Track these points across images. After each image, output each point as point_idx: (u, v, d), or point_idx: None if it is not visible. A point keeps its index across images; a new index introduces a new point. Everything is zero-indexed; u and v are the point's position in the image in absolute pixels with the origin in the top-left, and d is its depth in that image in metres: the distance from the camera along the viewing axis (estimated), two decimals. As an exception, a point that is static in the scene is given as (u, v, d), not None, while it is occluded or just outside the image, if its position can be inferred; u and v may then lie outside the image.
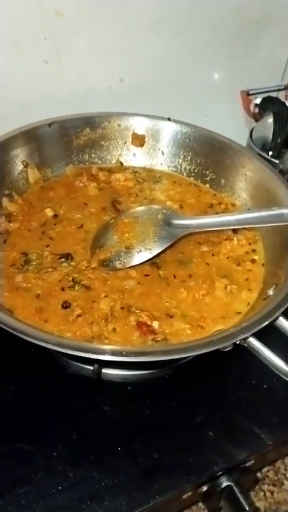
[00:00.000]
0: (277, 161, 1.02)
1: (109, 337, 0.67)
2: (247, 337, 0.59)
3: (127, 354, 0.56)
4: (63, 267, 0.76)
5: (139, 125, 0.99)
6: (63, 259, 0.77)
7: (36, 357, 0.69)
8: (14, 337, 0.57)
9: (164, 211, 0.80)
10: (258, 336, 0.60)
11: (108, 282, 0.74)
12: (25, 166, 0.90)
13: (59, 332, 0.66)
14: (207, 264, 0.79)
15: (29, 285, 0.73)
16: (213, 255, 0.81)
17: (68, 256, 0.78)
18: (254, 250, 0.82)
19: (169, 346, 0.64)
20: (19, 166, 0.89)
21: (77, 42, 0.94)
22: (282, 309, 0.63)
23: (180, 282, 0.76)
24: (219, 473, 0.65)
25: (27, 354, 0.70)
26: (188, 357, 0.67)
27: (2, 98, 0.93)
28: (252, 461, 0.68)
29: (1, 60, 0.91)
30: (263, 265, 0.80)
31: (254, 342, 0.59)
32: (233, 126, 1.19)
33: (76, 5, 0.90)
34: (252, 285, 0.77)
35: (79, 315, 0.69)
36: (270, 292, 0.70)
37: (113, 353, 0.56)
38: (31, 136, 0.90)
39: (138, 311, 0.69)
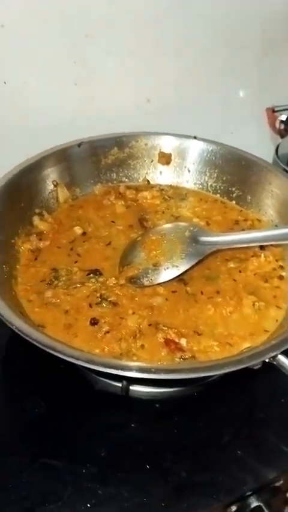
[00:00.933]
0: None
1: (137, 354, 0.67)
2: (276, 355, 0.58)
3: (157, 371, 0.56)
4: (91, 283, 0.77)
5: (166, 143, 1.00)
6: (91, 275, 0.78)
7: (66, 373, 0.70)
8: (44, 354, 0.59)
9: (191, 228, 0.81)
10: (287, 353, 0.60)
11: (136, 299, 0.75)
12: (55, 186, 0.92)
13: (88, 348, 0.67)
14: (235, 280, 0.79)
15: (58, 300, 0.74)
16: (240, 271, 0.81)
17: (96, 272, 0.79)
18: (281, 267, 0.82)
19: (198, 364, 0.64)
20: (49, 186, 0.91)
21: (105, 64, 0.97)
22: (312, 327, 0.62)
23: (208, 298, 0.76)
24: (249, 493, 0.64)
25: (56, 370, 0.71)
26: (217, 374, 0.67)
27: (32, 119, 0.95)
28: (282, 481, 0.67)
29: (33, 82, 0.94)
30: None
31: (283, 359, 0.59)
32: (259, 143, 1.20)
33: (105, 28, 0.93)
34: (280, 302, 0.76)
35: (107, 332, 0.69)
36: (300, 309, 0.70)
37: (143, 370, 0.56)
38: (61, 156, 0.92)
39: (166, 328, 0.70)
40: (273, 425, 0.71)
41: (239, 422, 0.71)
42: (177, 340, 0.68)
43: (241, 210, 0.96)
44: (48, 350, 0.59)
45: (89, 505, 0.61)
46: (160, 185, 1.01)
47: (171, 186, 1.02)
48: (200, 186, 1.01)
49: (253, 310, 0.74)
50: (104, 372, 0.57)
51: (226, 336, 0.70)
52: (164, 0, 0.96)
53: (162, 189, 1.00)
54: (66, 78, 0.95)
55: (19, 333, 0.61)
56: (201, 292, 0.77)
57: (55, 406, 0.72)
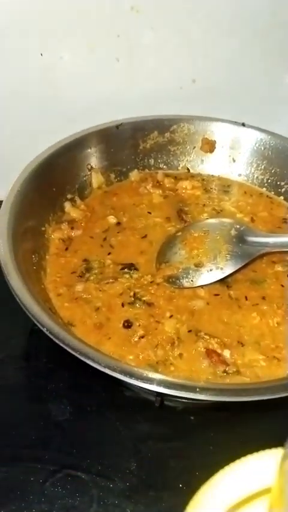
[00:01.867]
0: None
1: (175, 364, 0.62)
2: None
3: (202, 391, 0.50)
4: (125, 279, 0.71)
5: (210, 129, 0.94)
6: (126, 270, 0.73)
7: (94, 374, 0.65)
8: (71, 354, 0.54)
9: (238, 226, 0.74)
10: None
11: (174, 301, 0.70)
12: (89, 170, 0.86)
13: (121, 354, 0.62)
14: (282, 286, 0.73)
15: (89, 296, 0.70)
16: (289, 276, 0.74)
17: (131, 267, 0.74)
18: None
19: (248, 385, 0.58)
20: (83, 170, 0.85)
21: (150, 40, 0.89)
22: None
23: (253, 305, 0.70)
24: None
25: (85, 370, 0.65)
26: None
27: (70, 96, 0.89)
28: None
29: (72, 57, 0.86)
30: None
31: None
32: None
33: (153, 1, 0.85)
34: None
35: (142, 336, 0.64)
36: None
37: (186, 388, 0.51)
38: (97, 138, 0.87)
39: (208, 337, 0.64)
40: None
41: (280, 443, 0.65)
42: (219, 351, 0.63)
43: (286, 206, 0.89)
44: (79, 356, 0.54)
45: (116, 525, 0.56)
46: (201, 175, 0.95)
47: (213, 176, 0.95)
48: (246, 178, 0.94)
49: (303, 323, 0.67)
50: (142, 386, 0.51)
51: (273, 349, 0.65)
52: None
53: (204, 179, 0.94)
54: (107, 53, 0.88)
55: (49, 335, 0.56)
56: (246, 298, 0.71)
57: (81, 410, 0.67)
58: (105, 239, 0.79)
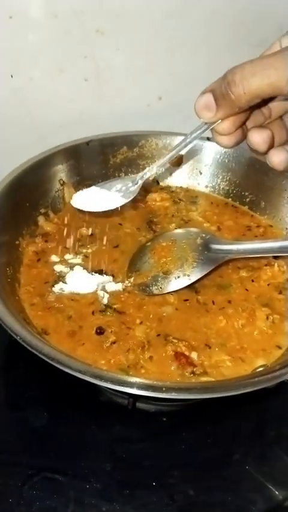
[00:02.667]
0: None
1: (145, 366, 0.65)
2: (293, 376, 0.56)
3: (167, 391, 0.53)
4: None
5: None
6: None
7: (70, 381, 0.67)
8: (47, 363, 0.56)
9: (203, 235, 0.78)
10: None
11: (144, 308, 0.72)
12: (62, 185, 0.89)
13: (93, 359, 0.65)
14: (247, 290, 0.77)
15: (62, 305, 0.72)
16: (252, 281, 0.78)
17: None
18: (296, 278, 0.79)
19: (212, 384, 0.61)
20: (56, 185, 0.89)
21: (116, 60, 0.93)
22: None
23: (219, 309, 0.73)
24: (259, 514, 0.62)
25: (61, 378, 0.68)
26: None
27: (41, 115, 0.92)
28: (292, 502, 0.65)
29: (41, 77, 0.90)
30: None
31: (299, 380, 0.57)
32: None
33: (116, 24, 0.89)
34: (295, 315, 0.74)
35: (114, 342, 0.67)
36: None
37: (153, 388, 0.54)
38: (69, 154, 0.90)
39: (176, 340, 0.67)
40: (285, 443, 0.68)
41: (250, 440, 0.69)
42: (187, 354, 0.66)
43: (252, 215, 0.93)
44: (53, 363, 0.56)
45: (92, 523, 0.59)
46: (170, 187, 0.99)
47: (181, 188, 0.99)
48: (212, 189, 0.98)
49: (267, 323, 0.71)
50: (112, 388, 0.54)
51: (238, 350, 0.68)
52: (178, -6, 0.92)
53: (172, 191, 0.98)
54: (75, 73, 0.92)
55: (23, 343, 0.58)
56: (213, 302, 0.74)
57: (58, 416, 0.69)
58: (78, 251, 0.82)
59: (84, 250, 0.82)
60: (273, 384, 0.56)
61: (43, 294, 0.73)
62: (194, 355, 0.66)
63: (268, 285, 0.78)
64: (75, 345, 0.67)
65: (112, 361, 0.65)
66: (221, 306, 0.73)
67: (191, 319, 0.71)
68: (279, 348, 0.68)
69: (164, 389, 0.54)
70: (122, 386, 0.54)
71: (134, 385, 0.54)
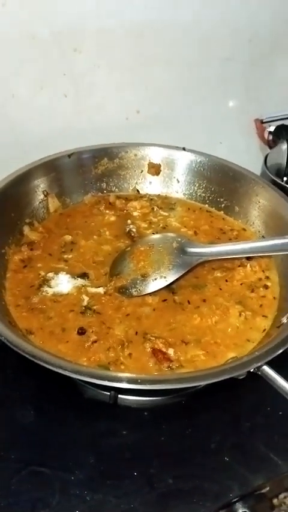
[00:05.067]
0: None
1: (125, 363, 0.68)
2: (261, 366, 0.60)
3: (143, 382, 0.57)
4: (77, 290, 0.78)
5: (155, 154, 1.02)
6: (79, 279, 0.80)
7: (55, 381, 0.71)
8: (32, 362, 0.60)
9: (179, 239, 0.82)
10: (272, 363, 0.61)
11: (123, 309, 0.76)
12: (45, 196, 0.93)
13: (75, 357, 0.68)
14: (221, 289, 0.81)
15: (44, 306, 0.76)
16: (226, 280, 0.82)
17: (84, 276, 0.81)
18: (267, 277, 0.83)
19: (183, 374, 0.65)
20: (40, 196, 0.92)
21: (94, 77, 0.98)
22: (296, 337, 0.64)
23: (195, 308, 0.77)
24: (235, 499, 0.65)
25: (46, 378, 0.71)
26: (201, 385, 0.68)
27: (23, 131, 0.97)
28: (268, 488, 0.68)
29: (23, 94, 0.95)
30: (274, 298, 0.81)
31: (267, 370, 0.61)
32: (248, 153, 1.22)
33: (93, 43, 0.95)
34: (266, 311, 0.78)
35: (95, 341, 0.71)
36: (284, 319, 0.71)
37: (129, 381, 0.58)
38: (51, 167, 0.94)
39: (154, 338, 0.71)
40: (259, 432, 0.72)
41: (226, 430, 0.72)
42: (164, 350, 0.69)
43: (223, 219, 0.98)
44: (35, 360, 0.60)
45: (77, 511, 0.62)
46: (149, 195, 1.03)
47: (160, 196, 1.03)
48: (189, 196, 1.03)
49: (240, 320, 0.75)
50: (91, 382, 0.58)
51: (212, 344, 0.72)
52: (151, 14, 0.98)
53: (152, 199, 1.02)
54: (55, 90, 0.97)
55: (7, 343, 0.62)
56: (188, 302, 0.78)
57: (44, 413, 0.72)
58: (61, 256, 0.86)
59: (66, 256, 0.86)
60: (242, 374, 0.60)
61: (28, 297, 0.77)
62: (170, 351, 0.70)
63: (241, 284, 0.82)
64: (58, 344, 0.70)
65: (92, 358, 0.68)
66: (196, 305, 0.77)
67: (168, 318, 0.75)
68: (250, 341, 0.72)
69: (139, 381, 0.58)
70: (99, 379, 0.58)
71: (111, 378, 0.58)
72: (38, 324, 0.73)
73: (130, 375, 0.60)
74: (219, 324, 0.75)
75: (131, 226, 0.93)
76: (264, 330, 0.75)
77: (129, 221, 0.94)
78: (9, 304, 0.75)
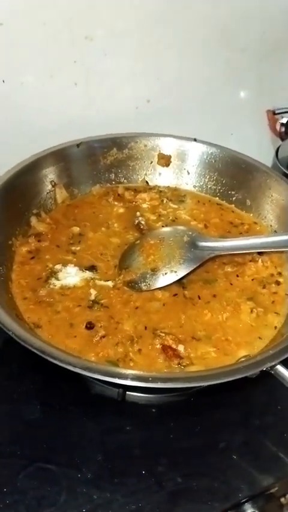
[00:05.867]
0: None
1: (134, 359, 0.67)
2: (274, 365, 0.58)
3: (153, 380, 0.56)
4: (85, 282, 0.77)
5: (165, 145, 1.00)
6: (87, 272, 0.79)
7: (62, 376, 0.70)
8: (38, 356, 0.59)
9: (190, 233, 0.81)
10: (285, 362, 0.60)
11: (132, 303, 0.75)
12: (53, 186, 0.91)
13: (83, 352, 0.67)
14: (231, 284, 0.79)
15: (52, 299, 0.74)
16: (237, 276, 0.81)
17: (92, 269, 0.80)
18: (279, 273, 0.82)
19: (194, 373, 0.64)
20: (47, 186, 0.91)
21: (105, 65, 0.96)
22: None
23: (205, 303, 0.76)
24: (244, 500, 0.64)
25: (53, 373, 0.70)
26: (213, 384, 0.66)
27: (32, 119, 0.95)
28: (277, 488, 0.67)
29: (31, 82, 0.93)
30: (286, 295, 0.79)
31: (280, 369, 0.59)
32: (259, 144, 1.20)
33: (105, 30, 0.92)
34: (278, 308, 0.76)
35: (103, 336, 0.69)
36: (299, 318, 0.70)
37: (139, 379, 0.56)
38: (60, 156, 0.92)
39: (164, 334, 0.70)
40: (269, 432, 0.71)
41: (235, 429, 0.71)
42: (174, 347, 0.68)
43: (233, 211, 0.96)
44: (44, 356, 0.59)
45: (84, 510, 0.61)
46: (159, 187, 1.01)
47: (169, 188, 1.01)
48: (200, 189, 1.01)
49: (251, 317, 0.74)
50: (100, 379, 0.57)
51: (223, 341, 0.70)
52: (163, 2, 0.95)
53: (161, 191, 1.00)
54: (65, 78, 0.95)
55: (16, 338, 0.61)
56: (199, 297, 0.76)
57: (51, 409, 0.72)
58: (69, 247, 0.84)
59: (75, 248, 0.84)
60: (254, 373, 0.59)
61: (35, 289, 0.75)
62: (180, 348, 0.68)
63: (252, 279, 0.80)
64: (67, 338, 0.69)
65: (100, 354, 0.67)
66: (206, 300, 0.76)
67: (178, 313, 0.74)
68: (261, 339, 0.71)
69: (150, 379, 0.56)
70: (109, 377, 0.56)
71: (122, 375, 0.57)
72: (46, 317, 0.71)
73: (140, 372, 0.58)
74: (230, 320, 0.73)
75: (140, 218, 0.91)
76: (276, 327, 0.73)
77: (138, 213, 0.92)
78: (16, 296, 0.74)
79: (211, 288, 0.78)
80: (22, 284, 0.76)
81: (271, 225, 0.91)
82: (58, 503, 0.61)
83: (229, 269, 0.81)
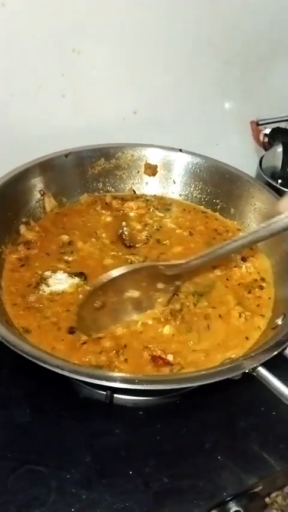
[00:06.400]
0: (286, 189, 1.04)
1: (120, 367, 0.68)
2: (256, 367, 0.61)
3: (140, 382, 0.58)
4: (74, 288, 0.78)
5: (152, 155, 1.03)
6: (76, 279, 0.80)
7: (51, 380, 0.72)
8: (29, 361, 0.60)
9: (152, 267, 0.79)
10: (266, 364, 0.62)
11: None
12: (42, 195, 0.93)
13: (67, 356, 0.68)
14: (227, 287, 0.82)
15: (41, 305, 0.76)
16: (227, 279, 0.83)
17: (81, 275, 0.81)
18: (262, 279, 0.85)
19: (180, 375, 0.66)
20: (36, 195, 0.92)
21: (92, 78, 0.98)
22: (291, 339, 0.65)
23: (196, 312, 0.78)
24: (228, 498, 0.66)
25: (42, 378, 0.72)
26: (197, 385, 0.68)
27: (21, 130, 0.96)
28: (261, 487, 0.69)
29: (22, 94, 0.95)
30: (269, 298, 0.82)
31: (262, 371, 0.61)
32: (243, 154, 1.23)
33: (92, 43, 0.95)
34: (263, 311, 0.79)
35: (84, 343, 0.71)
36: (279, 321, 0.72)
37: (126, 381, 0.58)
38: (48, 166, 0.94)
39: (152, 346, 0.71)
40: (253, 433, 0.73)
41: (220, 430, 0.73)
42: (164, 357, 0.70)
43: (217, 219, 0.99)
44: (33, 360, 0.60)
45: (73, 510, 0.62)
46: (146, 195, 1.04)
47: (156, 197, 1.04)
48: (185, 197, 1.03)
49: (240, 321, 0.77)
50: (88, 382, 0.58)
51: (214, 346, 0.73)
52: (149, 16, 0.98)
53: (148, 200, 1.02)
54: (53, 90, 0.97)
55: (6, 343, 0.62)
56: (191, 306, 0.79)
57: (40, 413, 0.73)
58: (59, 256, 0.86)
59: (64, 256, 0.86)
60: (237, 375, 0.61)
61: (25, 296, 0.77)
62: (170, 357, 0.70)
63: (239, 284, 0.83)
64: (56, 343, 0.70)
65: (83, 359, 0.68)
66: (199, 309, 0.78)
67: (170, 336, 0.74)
68: (248, 339, 0.74)
69: (136, 381, 0.58)
70: (98, 380, 0.58)
71: (108, 378, 0.59)
72: (36, 322, 0.73)
73: (127, 375, 0.60)
74: (222, 327, 0.76)
75: (125, 229, 0.92)
76: (260, 328, 0.76)
77: (124, 223, 0.94)
78: (6, 303, 0.76)
79: (202, 298, 0.80)
80: (12, 291, 0.78)
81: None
82: (48, 503, 0.62)
83: (219, 273, 0.84)
